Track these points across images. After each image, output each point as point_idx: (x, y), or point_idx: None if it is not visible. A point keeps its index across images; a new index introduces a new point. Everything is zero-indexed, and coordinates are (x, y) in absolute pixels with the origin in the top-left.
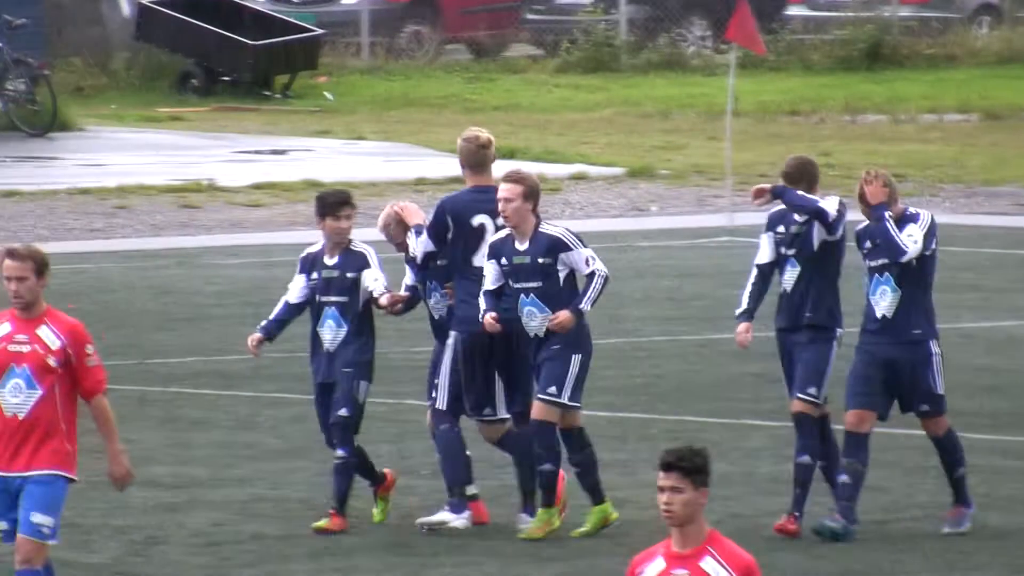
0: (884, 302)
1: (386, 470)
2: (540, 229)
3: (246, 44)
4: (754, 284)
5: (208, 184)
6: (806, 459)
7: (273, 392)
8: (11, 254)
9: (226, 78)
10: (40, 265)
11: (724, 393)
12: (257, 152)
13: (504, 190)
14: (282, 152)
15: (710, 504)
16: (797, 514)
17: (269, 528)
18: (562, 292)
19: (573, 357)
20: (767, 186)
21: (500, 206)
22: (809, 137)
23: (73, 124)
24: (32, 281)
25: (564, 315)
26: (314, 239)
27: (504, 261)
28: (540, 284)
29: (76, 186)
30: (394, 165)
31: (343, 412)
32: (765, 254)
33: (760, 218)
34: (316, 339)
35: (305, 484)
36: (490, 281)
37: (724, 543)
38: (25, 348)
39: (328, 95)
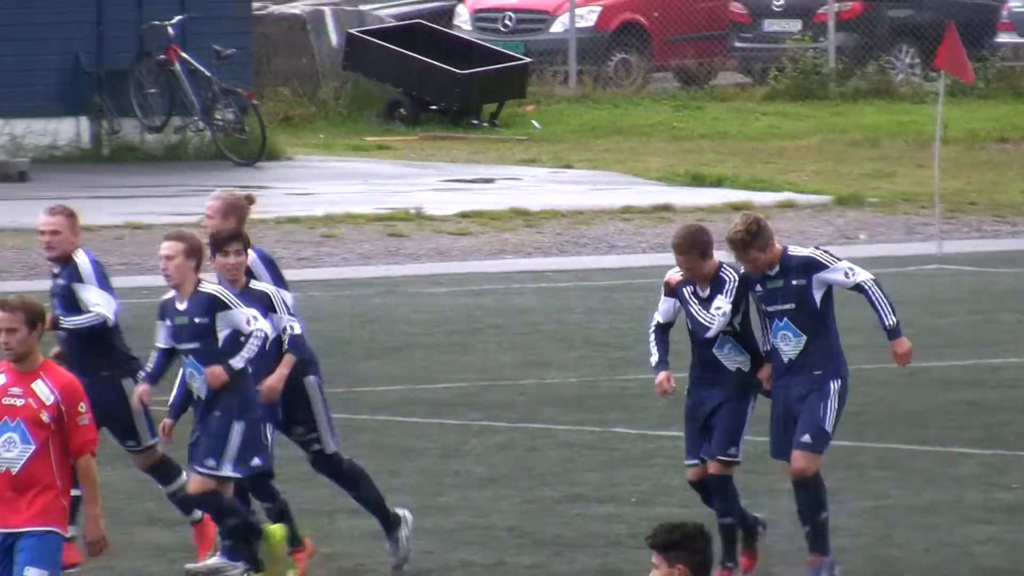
0: (787, 347)
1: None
2: (200, 288)
3: (454, 73)
4: (657, 340)
5: (415, 213)
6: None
7: (480, 420)
8: (2, 305)
9: (433, 107)
10: (32, 316)
11: (932, 421)
12: (464, 181)
13: (165, 247)
14: (489, 181)
15: (921, 532)
16: (731, 564)
17: (476, 556)
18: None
19: (235, 425)
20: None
21: (162, 264)
22: (1019, 164)
23: (281, 153)
24: (23, 333)
25: (216, 369)
26: (517, 268)
27: (168, 322)
28: (198, 345)
29: (284, 215)
30: (601, 193)
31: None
32: (663, 314)
33: (972, 246)
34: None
35: (513, 512)
36: (160, 340)
37: None
38: (19, 402)
39: (536, 123)
